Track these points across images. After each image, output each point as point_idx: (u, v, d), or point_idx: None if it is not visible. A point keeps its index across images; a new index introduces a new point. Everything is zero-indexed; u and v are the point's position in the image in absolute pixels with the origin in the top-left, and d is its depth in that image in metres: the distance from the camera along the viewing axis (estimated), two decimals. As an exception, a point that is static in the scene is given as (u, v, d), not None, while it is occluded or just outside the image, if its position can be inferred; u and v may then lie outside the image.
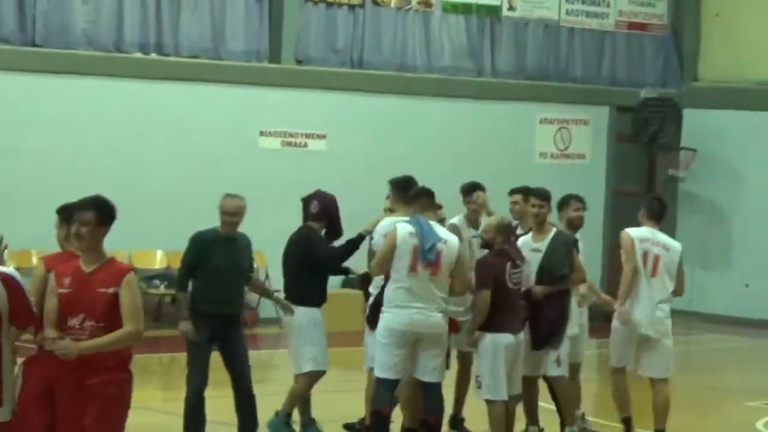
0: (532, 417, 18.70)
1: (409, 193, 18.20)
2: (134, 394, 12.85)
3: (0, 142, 27.72)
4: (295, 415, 19.20)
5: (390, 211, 19.28)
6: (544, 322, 18.27)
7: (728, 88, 35.89)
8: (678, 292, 19.54)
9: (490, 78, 34.72)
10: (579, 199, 19.47)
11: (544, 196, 18.73)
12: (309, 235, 19.00)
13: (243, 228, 18.56)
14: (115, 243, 14.20)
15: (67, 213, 13.11)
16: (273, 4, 32.23)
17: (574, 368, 19.60)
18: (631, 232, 19.63)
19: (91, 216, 11.93)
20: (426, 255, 17.12)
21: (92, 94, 29.64)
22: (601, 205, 34.58)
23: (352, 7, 32.93)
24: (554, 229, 18.64)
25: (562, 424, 18.62)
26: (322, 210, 19.02)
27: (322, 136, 31.63)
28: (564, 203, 19.64)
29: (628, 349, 19.34)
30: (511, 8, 34.35)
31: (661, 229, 19.51)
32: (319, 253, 18.96)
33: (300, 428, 19.14)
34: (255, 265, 20.29)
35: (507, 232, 18.12)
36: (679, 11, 36.89)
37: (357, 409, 19.19)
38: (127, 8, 30.56)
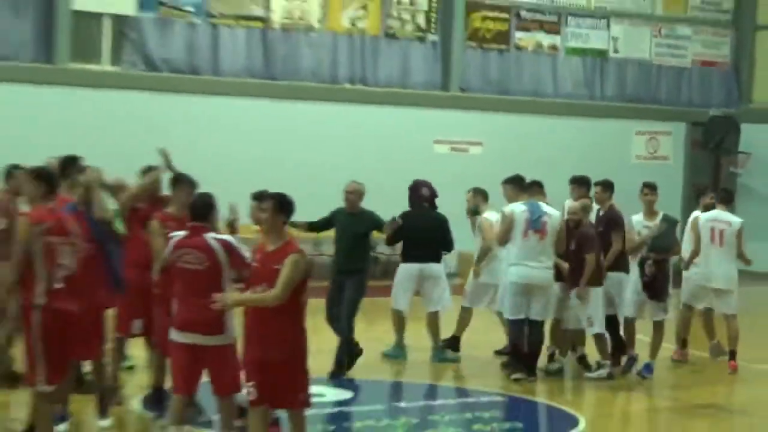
0: (632, 345, 20.20)
1: (523, 185, 20.30)
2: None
3: (271, 153, 29.34)
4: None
5: (472, 213, 21.65)
6: (656, 281, 19.88)
7: None
8: (740, 255, 21.20)
9: (599, 102, 36.61)
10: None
11: (652, 186, 20.78)
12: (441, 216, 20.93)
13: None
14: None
15: (260, 198, 14.50)
16: (444, 49, 33.99)
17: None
18: (700, 215, 21.62)
19: (269, 204, 12.82)
20: (534, 224, 19.27)
21: (316, 116, 31.50)
22: (679, 194, 36.72)
23: (501, 51, 34.93)
24: (662, 212, 20.47)
25: (652, 355, 20.00)
26: (431, 194, 20.86)
27: (479, 144, 33.60)
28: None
29: (697, 294, 21.27)
30: (615, 51, 36.81)
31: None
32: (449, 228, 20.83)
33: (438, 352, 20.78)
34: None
35: (589, 212, 20.31)
36: (738, 52, 38.62)
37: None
38: (340, 51, 32.87)
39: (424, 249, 20.79)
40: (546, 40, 36.19)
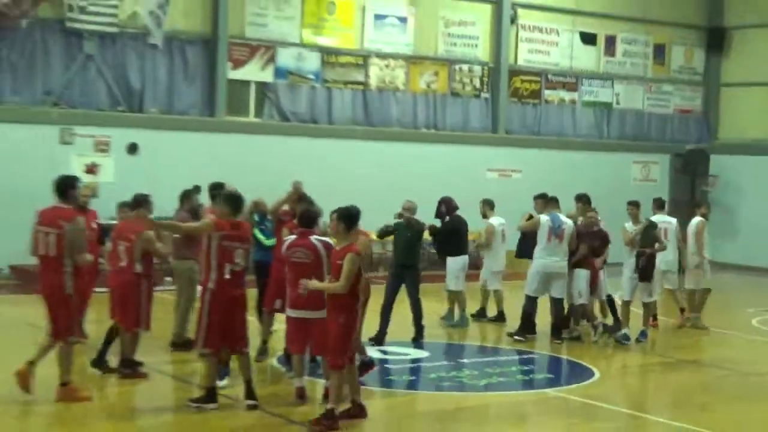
0: (626, 322, 19.88)
1: (547, 200, 20.09)
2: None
3: (368, 180, 28.84)
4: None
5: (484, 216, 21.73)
6: (647, 268, 19.70)
7: (734, 143, 36.99)
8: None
9: (606, 140, 36.22)
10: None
11: (635, 203, 20.53)
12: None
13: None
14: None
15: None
16: (493, 103, 33.69)
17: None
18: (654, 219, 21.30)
19: (334, 216, 13.06)
20: (555, 231, 19.40)
21: (401, 153, 31.39)
22: (666, 206, 37.61)
23: (534, 104, 34.53)
24: (644, 219, 20.36)
25: (644, 325, 19.96)
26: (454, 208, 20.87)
27: (519, 171, 33.20)
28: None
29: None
30: (617, 103, 36.42)
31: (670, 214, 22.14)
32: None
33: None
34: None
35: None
36: (707, 103, 38.22)
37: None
38: (419, 105, 32.49)
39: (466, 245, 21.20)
40: (567, 96, 35.94)
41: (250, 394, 13.41)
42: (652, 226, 20.27)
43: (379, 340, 18.01)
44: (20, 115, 26.36)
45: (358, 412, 13.10)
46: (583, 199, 20.71)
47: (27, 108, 26.55)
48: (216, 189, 16.05)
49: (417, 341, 18.75)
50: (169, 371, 15.88)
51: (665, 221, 21.65)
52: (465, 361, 17.84)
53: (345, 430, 12.56)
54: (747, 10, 37.20)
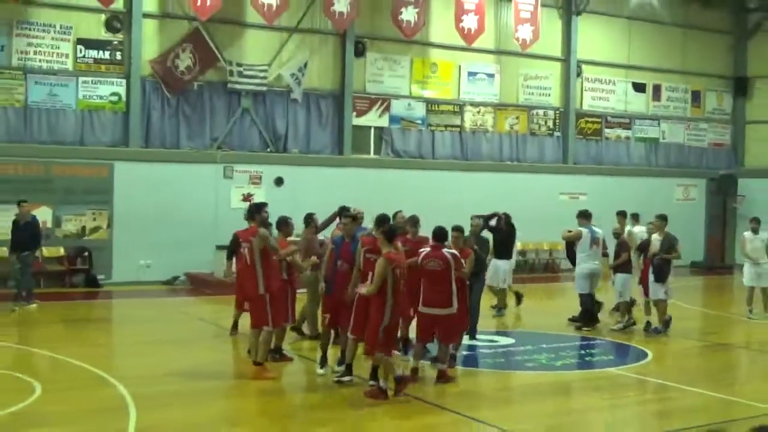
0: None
1: (587, 216, 19.72)
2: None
3: (464, 203, 26.81)
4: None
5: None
6: (662, 270, 18.85)
7: (757, 169, 36.46)
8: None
9: (655, 167, 35.54)
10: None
11: (662, 216, 19.52)
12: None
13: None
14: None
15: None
16: (563, 140, 33.42)
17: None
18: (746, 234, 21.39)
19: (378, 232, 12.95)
20: (594, 240, 19.17)
21: (491, 181, 31.01)
22: (702, 220, 36.37)
23: (596, 140, 34.19)
24: (667, 231, 19.27)
25: (660, 321, 18.98)
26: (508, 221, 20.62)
27: (585, 194, 32.35)
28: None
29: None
30: (663, 138, 35.83)
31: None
32: None
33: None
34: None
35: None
36: (735, 137, 37.66)
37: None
38: (504, 142, 32.20)
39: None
40: (623, 133, 35.46)
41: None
42: (673, 237, 19.32)
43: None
44: (193, 157, 26.86)
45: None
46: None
47: (198, 151, 26.98)
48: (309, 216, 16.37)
49: (504, 332, 18.51)
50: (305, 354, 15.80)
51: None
52: (544, 346, 17.44)
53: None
54: (764, 63, 36.88)
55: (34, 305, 20.32)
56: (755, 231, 21.41)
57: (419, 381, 13.45)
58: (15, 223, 20.35)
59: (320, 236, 16.85)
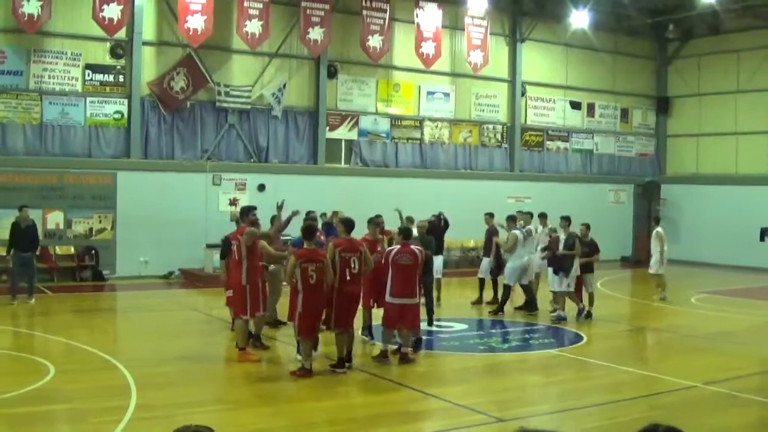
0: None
1: (512, 218, 19.96)
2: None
3: (424, 207, 26.20)
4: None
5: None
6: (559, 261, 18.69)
7: (676, 176, 36.51)
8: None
9: (590, 175, 35.49)
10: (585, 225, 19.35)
11: (566, 218, 19.15)
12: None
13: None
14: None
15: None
16: (510, 150, 33.05)
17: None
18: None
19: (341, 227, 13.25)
20: (525, 238, 19.04)
21: (448, 188, 30.98)
22: (631, 220, 36.34)
23: (539, 151, 33.88)
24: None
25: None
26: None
27: (529, 198, 31.81)
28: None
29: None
30: (597, 149, 35.72)
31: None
32: None
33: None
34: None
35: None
36: (658, 149, 37.52)
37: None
38: (459, 153, 32.07)
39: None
40: (562, 145, 35.42)
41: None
42: (573, 235, 19.02)
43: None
44: (186, 167, 26.77)
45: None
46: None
47: (191, 161, 26.92)
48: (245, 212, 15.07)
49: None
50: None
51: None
52: (493, 331, 17.64)
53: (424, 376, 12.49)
54: (682, 85, 37.02)
55: (33, 300, 19.91)
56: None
57: (388, 362, 13.60)
58: (16, 225, 19.95)
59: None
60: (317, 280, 12.36)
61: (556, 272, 18.68)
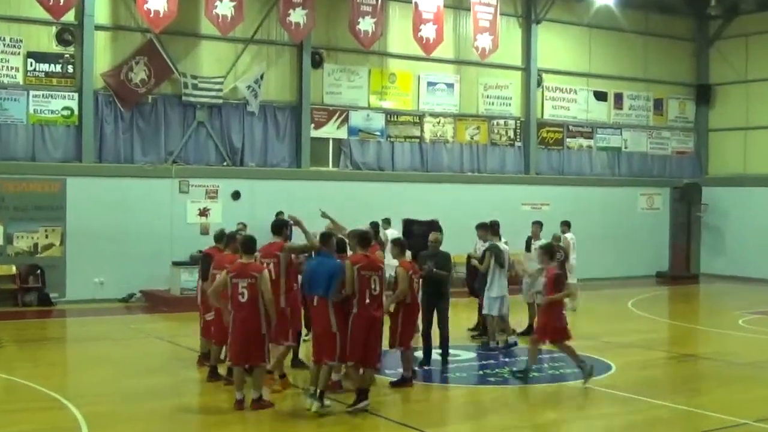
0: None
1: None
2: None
3: (425, 215, 26.37)
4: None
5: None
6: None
7: (720, 177, 36.56)
8: None
9: (617, 177, 35.55)
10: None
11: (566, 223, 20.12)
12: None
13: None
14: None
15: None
16: (525, 150, 33.34)
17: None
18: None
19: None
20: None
21: (452, 193, 30.94)
22: (667, 228, 36.31)
23: (558, 150, 34.25)
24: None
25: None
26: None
27: (548, 204, 32.19)
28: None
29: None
30: (626, 147, 35.85)
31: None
32: None
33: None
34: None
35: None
36: (698, 145, 37.62)
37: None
38: (465, 153, 32.28)
39: None
40: (585, 142, 35.51)
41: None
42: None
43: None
44: (147, 171, 26.68)
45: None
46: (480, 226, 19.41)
47: (153, 165, 26.85)
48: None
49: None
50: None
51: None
52: (506, 359, 17.44)
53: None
54: (726, 70, 36.95)
55: None
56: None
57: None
58: None
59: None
60: (249, 297, 12.53)
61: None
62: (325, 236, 13.55)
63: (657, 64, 36.86)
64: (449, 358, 16.73)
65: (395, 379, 14.61)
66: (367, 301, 12.73)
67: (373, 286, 12.78)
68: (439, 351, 16.56)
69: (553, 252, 16.07)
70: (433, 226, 21.11)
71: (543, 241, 19.25)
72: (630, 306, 23.23)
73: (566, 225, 23.51)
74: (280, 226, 14.22)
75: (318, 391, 12.61)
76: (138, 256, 25.78)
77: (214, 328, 14.21)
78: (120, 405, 13.11)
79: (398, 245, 14.56)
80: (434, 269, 16.08)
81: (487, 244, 18.70)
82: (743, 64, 36.50)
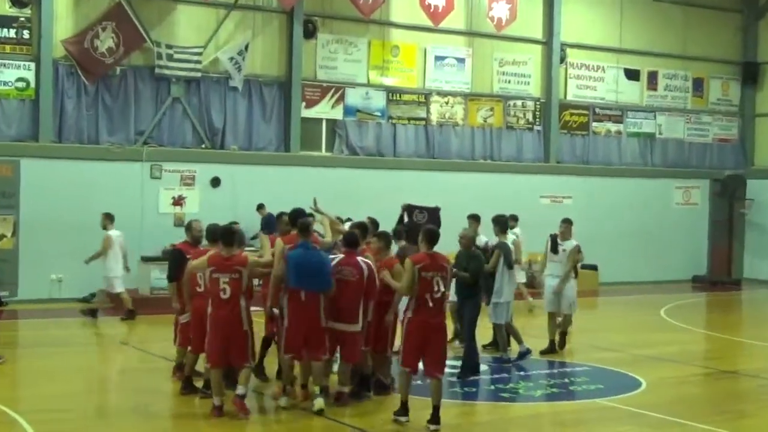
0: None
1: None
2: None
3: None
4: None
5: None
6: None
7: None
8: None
9: (650, 167, 35.59)
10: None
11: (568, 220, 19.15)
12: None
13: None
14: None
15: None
16: (545, 135, 33.50)
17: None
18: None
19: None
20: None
21: (461, 182, 30.96)
22: (705, 227, 36.45)
23: (583, 135, 34.42)
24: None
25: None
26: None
27: (570, 197, 32.77)
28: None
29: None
30: (660, 133, 35.86)
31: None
32: None
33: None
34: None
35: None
36: (743, 131, 37.66)
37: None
38: (477, 138, 32.37)
39: None
40: (613, 127, 35.50)
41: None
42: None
43: None
44: (115, 154, 26.66)
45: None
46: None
47: (121, 147, 26.82)
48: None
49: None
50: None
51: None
52: (522, 373, 17.37)
53: None
54: (778, 46, 36.80)
55: None
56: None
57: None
58: None
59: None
60: (231, 294, 12.66)
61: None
62: (304, 225, 13.42)
63: (697, 38, 36.87)
64: (456, 372, 16.62)
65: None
66: (430, 304, 12.65)
67: (435, 289, 12.65)
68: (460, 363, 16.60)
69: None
70: (436, 213, 21.47)
71: (573, 242, 19.19)
72: (663, 314, 23.20)
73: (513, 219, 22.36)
74: (300, 216, 14.14)
75: (319, 387, 13.07)
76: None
77: (192, 334, 14.01)
78: (79, 422, 12.99)
79: (383, 239, 14.61)
80: (455, 271, 15.65)
81: (484, 241, 19.06)
82: (797, 40, 36.37)
